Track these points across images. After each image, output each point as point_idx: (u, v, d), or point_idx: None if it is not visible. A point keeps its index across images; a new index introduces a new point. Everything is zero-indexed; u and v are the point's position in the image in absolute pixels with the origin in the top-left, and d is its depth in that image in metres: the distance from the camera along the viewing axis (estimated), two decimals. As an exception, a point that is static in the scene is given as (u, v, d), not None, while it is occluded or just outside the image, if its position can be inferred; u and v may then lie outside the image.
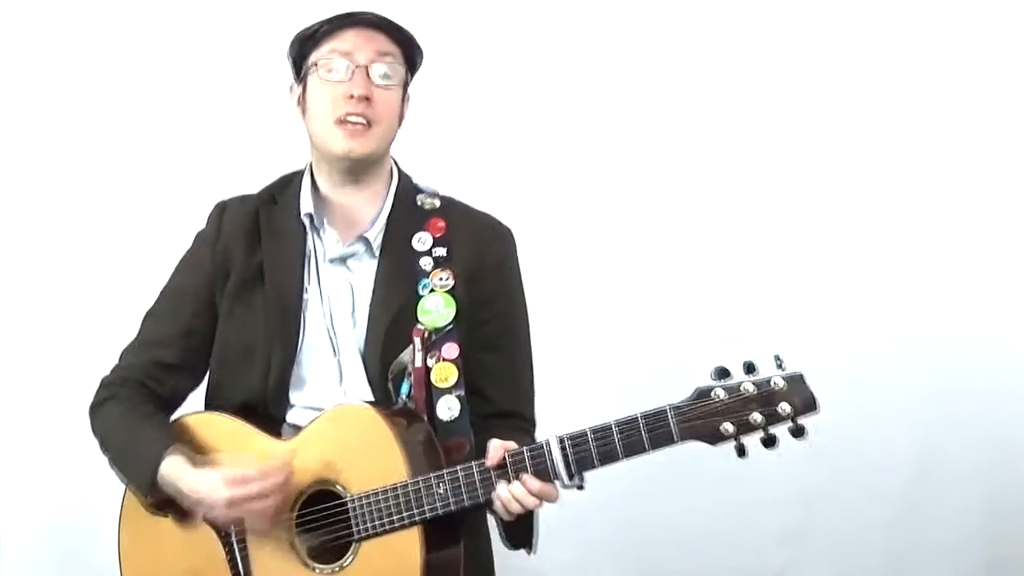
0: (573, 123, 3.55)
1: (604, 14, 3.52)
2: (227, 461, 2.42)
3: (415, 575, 2.34)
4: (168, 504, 2.48)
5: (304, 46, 2.51)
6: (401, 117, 2.54)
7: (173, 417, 2.56)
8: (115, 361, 2.61)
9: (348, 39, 2.47)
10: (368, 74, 2.45)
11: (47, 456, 3.49)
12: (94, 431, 2.57)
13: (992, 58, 3.48)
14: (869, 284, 3.49)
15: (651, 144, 3.54)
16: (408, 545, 2.36)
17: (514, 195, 3.27)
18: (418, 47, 2.54)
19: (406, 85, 2.54)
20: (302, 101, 2.53)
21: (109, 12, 3.52)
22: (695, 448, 3.28)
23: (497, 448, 2.32)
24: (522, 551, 2.42)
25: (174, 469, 2.42)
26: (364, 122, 2.45)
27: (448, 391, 2.45)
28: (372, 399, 2.46)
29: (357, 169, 2.51)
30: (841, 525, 3.48)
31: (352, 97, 2.44)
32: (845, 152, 3.50)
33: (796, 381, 2.16)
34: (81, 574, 3.36)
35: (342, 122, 2.45)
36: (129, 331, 2.64)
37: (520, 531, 2.38)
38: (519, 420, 2.54)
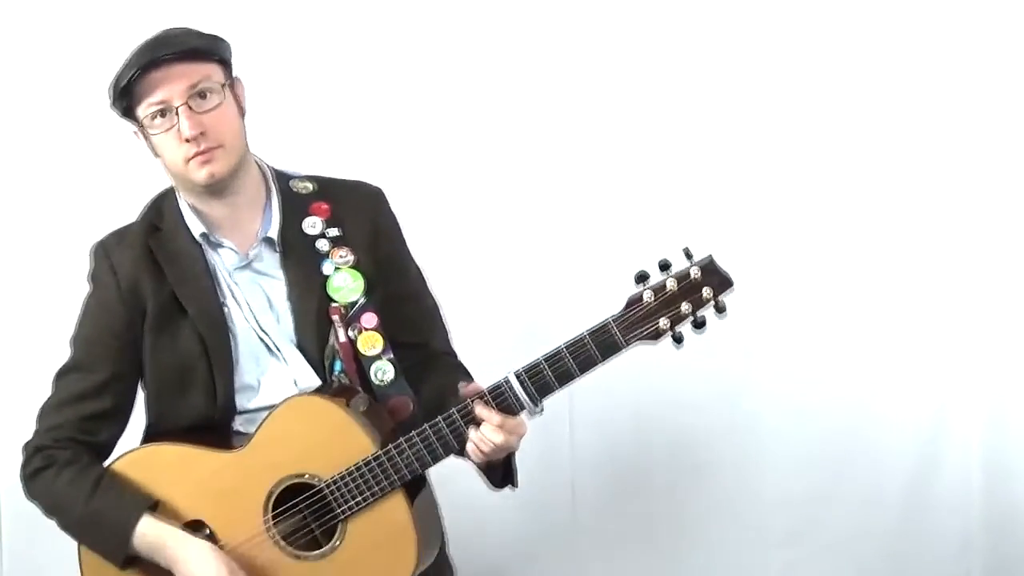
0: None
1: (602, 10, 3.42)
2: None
3: (409, 531, 2.46)
4: (136, 560, 2.50)
5: (124, 99, 2.49)
6: (242, 111, 2.56)
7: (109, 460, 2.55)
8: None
9: (156, 86, 2.45)
10: (191, 108, 2.46)
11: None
12: (36, 500, 2.54)
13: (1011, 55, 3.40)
14: (870, 288, 3.44)
15: (664, 145, 3.45)
16: (395, 508, 2.47)
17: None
18: (222, 47, 2.53)
19: (231, 82, 2.54)
20: (149, 145, 2.53)
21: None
22: (696, 450, 3.41)
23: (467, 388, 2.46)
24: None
25: (153, 534, 2.46)
26: (211, 146, 2.48)
27: (378, 357, 2.57)
28: (320, 384, 2.55)
29: (224, 186, 2.54)
30: (843, 527, 3.46)
31: (187, 140, 2.46)
32: (852, 157, 3.44)
33: (709, 266, 2.38)
34: None
35: (191, 158, 2.48)
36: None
37: (500, 471, 2.56)
38: (451, 357, 2.71)
